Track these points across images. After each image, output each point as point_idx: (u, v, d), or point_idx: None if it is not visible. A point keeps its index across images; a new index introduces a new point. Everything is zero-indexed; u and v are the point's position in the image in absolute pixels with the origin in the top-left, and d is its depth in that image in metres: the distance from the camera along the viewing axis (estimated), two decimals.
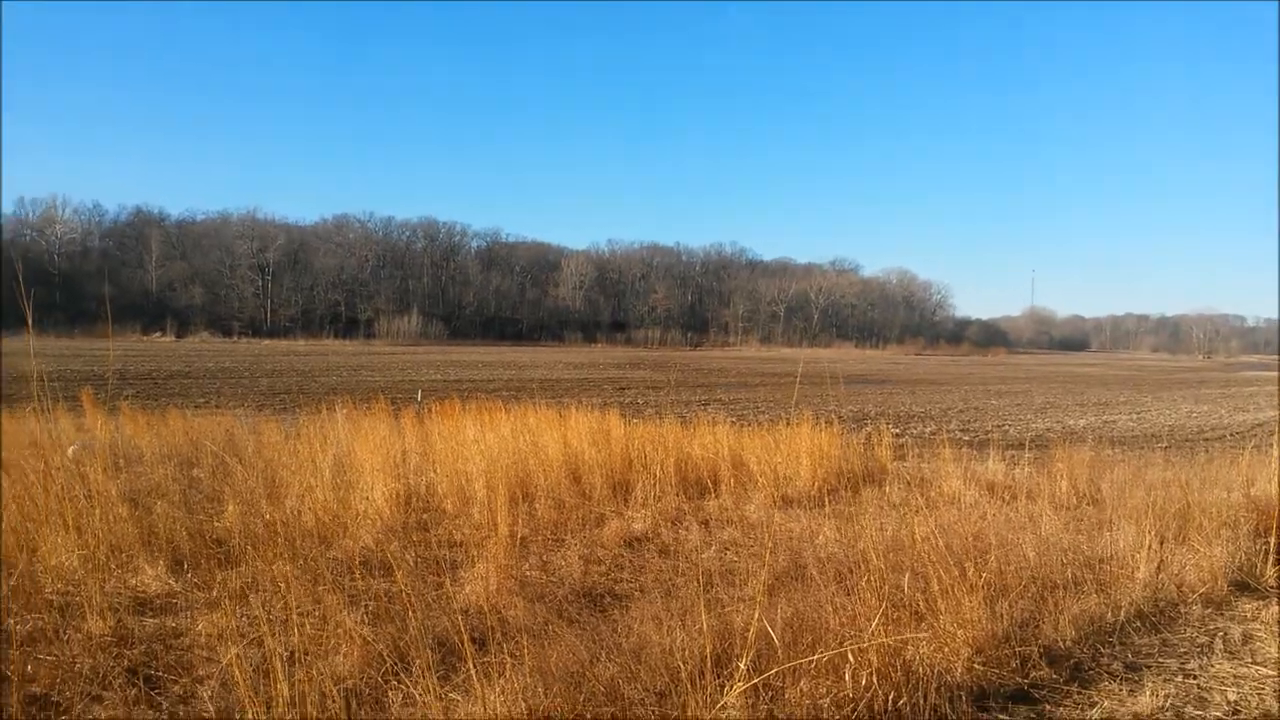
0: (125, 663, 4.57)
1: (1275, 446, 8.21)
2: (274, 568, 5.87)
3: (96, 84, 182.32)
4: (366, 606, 5.23)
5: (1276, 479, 8.00)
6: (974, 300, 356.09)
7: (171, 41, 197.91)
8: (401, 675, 3.97)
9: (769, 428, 11.45)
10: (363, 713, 3.79)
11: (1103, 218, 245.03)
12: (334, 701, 3.58)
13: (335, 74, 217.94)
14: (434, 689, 3.61)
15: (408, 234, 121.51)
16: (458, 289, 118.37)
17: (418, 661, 3.82)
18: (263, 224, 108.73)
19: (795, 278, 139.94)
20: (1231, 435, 24.56)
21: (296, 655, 4.16)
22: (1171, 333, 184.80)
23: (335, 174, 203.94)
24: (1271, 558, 6.59)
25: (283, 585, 5.33)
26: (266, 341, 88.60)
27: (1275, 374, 71.53)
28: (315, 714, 3.34)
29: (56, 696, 4.13)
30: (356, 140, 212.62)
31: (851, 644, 4.02)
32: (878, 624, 4.11)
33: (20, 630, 4.81)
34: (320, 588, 5.32)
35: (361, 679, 4.13)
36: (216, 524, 7.54)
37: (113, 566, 6.08)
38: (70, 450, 9.57)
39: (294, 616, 4.32)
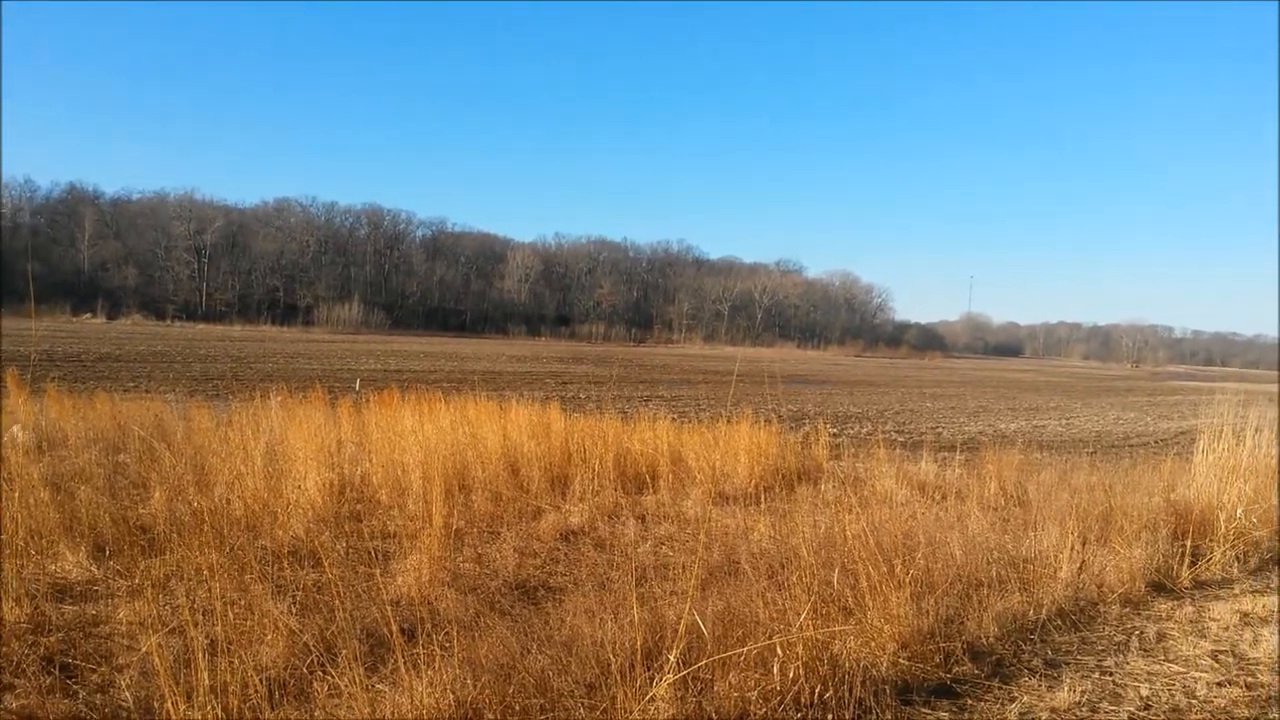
0: (41, 650, 4.44)
1: (1197, 454, 8.49)
2: (200, 556, 5.74)
3: (28, 58, 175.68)
4: (294, 597, 5.15)
5: (1193, 485, 8.28)
6: (913, 304, 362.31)
7: (110, 16, 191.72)
8: (328, 666, 3.92)
9: (709, 425, 11.53)
10: (287, 703, 3.73)
11: (1039, 226, 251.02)
12: (256, 691, 3.51)
13: (278, 55, 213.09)
14: (360, 680, 3.57)
15: (351, 220, 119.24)
16: (401, 278, 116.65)
17: (344, 652, 3.76)
18: (201, 205, 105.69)
19: (740, 277, 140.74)
20: (1156, 442, 25.35)
21: (220, 645, 4.07)
22: (1102, 341, 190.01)
23: (277, 157, 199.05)
24: (1187, 560, 6.83)
25: (207, 574, 5.22)
26: (201, 326, 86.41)
27: (1199, 384, 74.00)
28: (237, 704, 3.27)
29: None
30: (299, 124, 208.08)
31: (780, 637, 4.06)
32: (806, 618, 4.16)
33: None
34: (247, 577, 5.22)
35: (286, 669, 4.07)
36: (142, 510, 7.37)
37: (32, 552, 5.90)
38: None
39: (218, 605, 4.22)
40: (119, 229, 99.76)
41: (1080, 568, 6.27)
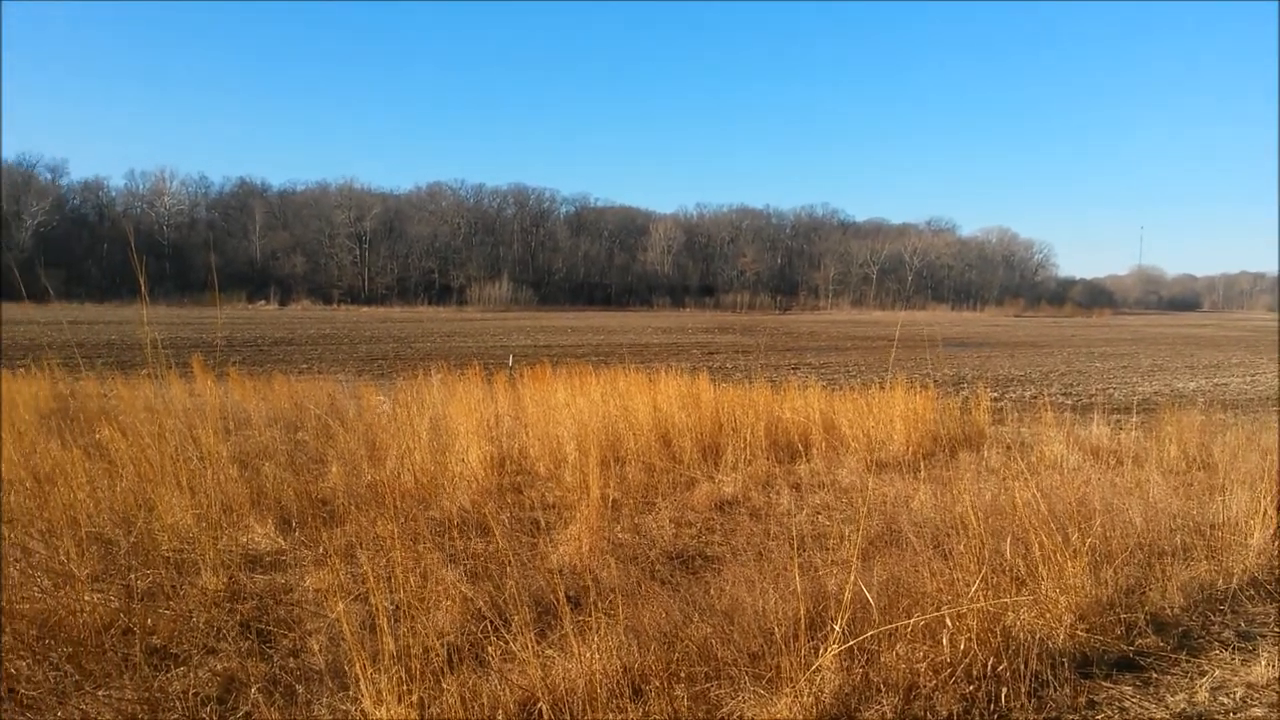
0: (238, 617, 4.79)
1: None
2: (376, 527, 6.07)
3: (200, 54, 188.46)
4: (465, 565, 5.38)
5: None
6: (1078, 260, 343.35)
7: (271, 13, 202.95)
8: (500, 631, 4.07)
9: (861, 391, 11.27)
10: (465, 667, 3.90)
11: (1215, 172, 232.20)
12: (437, 655, 3.68)
13: (426, 42, 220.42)
14: (531, 645, 3.68)
15: (498, 201, 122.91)
16: (547, 255, 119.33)
17: (515, 618, 3.90)
18: (359, 193, 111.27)
19: (889, 238, 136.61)
20: None
21: (400, 611, 4.31)
22: None
23: (429, 143, 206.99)
24: None
25: (386, 543, 5.51)
26: (364, 309, 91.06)
27: None
28: (419, 667, 3.44)
29: (175, 649, 4.36)
30: (448, 107, 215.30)
31: (949, 608, 3.95)
32: (977, 588, 4.02)
33: (140, 585, 5.08)
34: (420, 546, 5.49)
35: (461, 634, 4.26)
36: (321, 484, 7.82)
37: (224, 525, 6.35)
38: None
39: (398, 573, 4.45)
40: (286, 219, 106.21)
41: (1274, 534, 5.80)
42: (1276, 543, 5.71)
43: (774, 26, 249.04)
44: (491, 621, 4.23)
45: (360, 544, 5.84)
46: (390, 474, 7.95)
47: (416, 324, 62.03)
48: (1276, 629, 4.65)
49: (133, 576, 5.19)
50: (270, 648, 4.41)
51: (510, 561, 5.06)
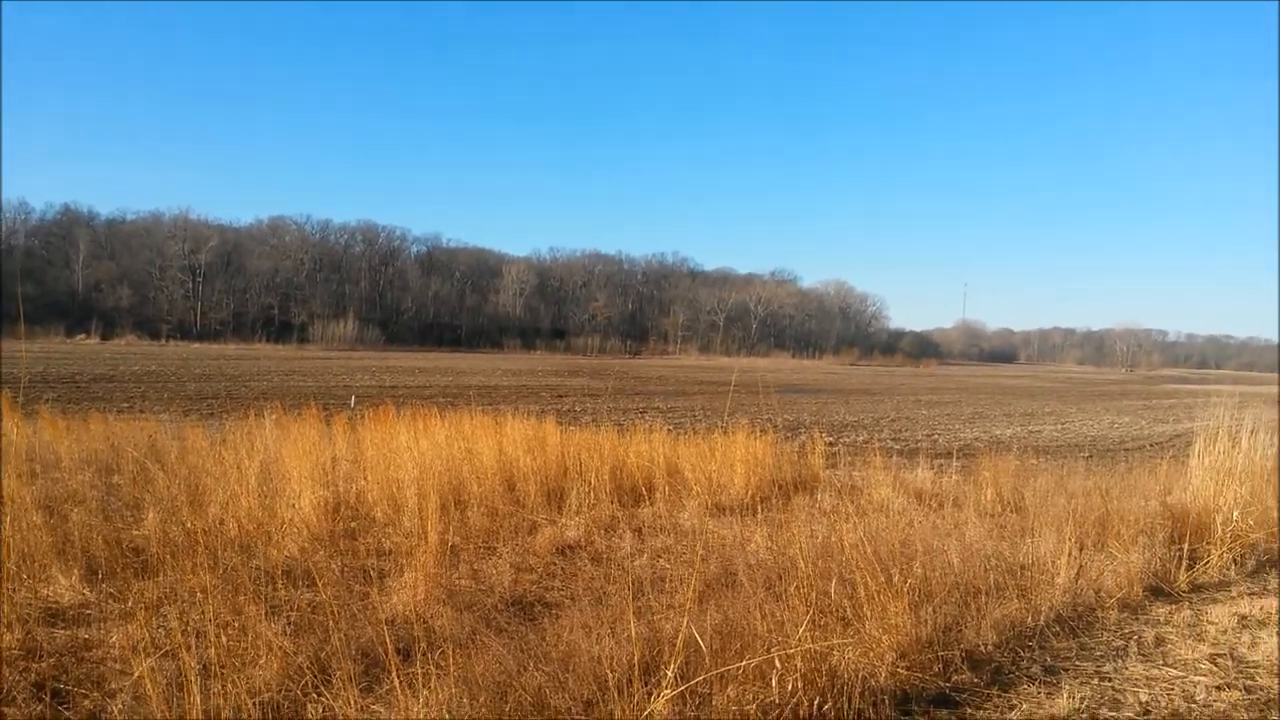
0: (32, 676, 4.39)
1: (1193, 458, 8.49)
2: (193, 577, 5.70)
3: (25, 79, 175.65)
4: (289, 617, 5.11)
5: (1190, 488, 8.28)
6: (908, 312, 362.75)
7: (104, 38, 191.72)
8: (322, 688, 3.88)
9: (704, 436, 11.50)
10: None
11: (1032, 234, 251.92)
12: (249, 715, 3.47)
13: (270, 74, 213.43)
14: (355, 701, 3.54)
15: (345, 238, 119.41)
16: (396, 294, 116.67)
17: (339, 673, 3.73)
18: (195, 225, 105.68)
19: (735, 287, 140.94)
20: (1151, 445, 25.36)
21: (213, 668, 4.04)
22: (1096, 346, 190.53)
23: (271, 176, 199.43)
24: (1184, 563, 6.82)
25: (200, 595, 5.18)
26: (196, 345, 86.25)
27: (1194, 388, 74.11)
28: None
29: None
30: (293, 142, 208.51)
31: (779, 650, 4.04)
32: (805, 630, 4.14)
33: None
34: (241, 598, 5.18)
35: (280, 692, 4.03)
36: (135, 532, 7.31)
37: (24, 576, 5.84)
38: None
39: (211, 628, 4.18)
40: (113, 250, 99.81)
41: (1078, 573, 6.25)
42: (1079, 581, 6.15)
43: (621, 79, 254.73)
44: (314, 677, 4.04)
45: (175, 596, 5.47)
46: (213, 521, 7.52)
47: (253, 362, 59.27)
48: (1078, 663, 4.98)
49: None
50: (68, 709, 4.05)
51: (336, 613, 4.85)
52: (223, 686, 3.67)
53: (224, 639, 4.31)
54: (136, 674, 4.09)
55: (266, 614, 5.02)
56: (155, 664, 4.13)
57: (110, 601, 5.61)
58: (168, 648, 4.52)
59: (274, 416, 12.00)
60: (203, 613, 4.81)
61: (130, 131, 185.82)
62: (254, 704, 3.66)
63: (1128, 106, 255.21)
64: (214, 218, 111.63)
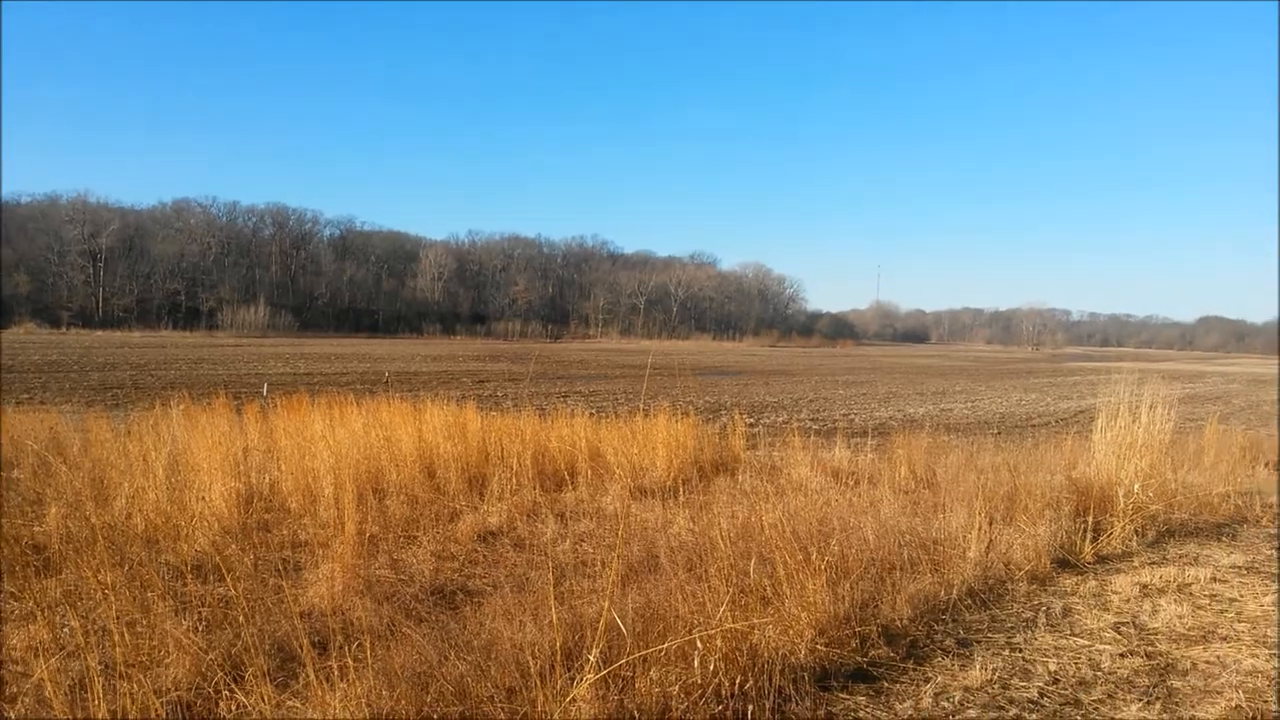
0: None
1: (1095, 433, 8.83)
2: (98, 575, 5.48)
3: None
4: (199, 614, 4.95)
5: (1093, 463, 8.61)
6: (824, 294, 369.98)
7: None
8: (235, 685, 3.77)
9: (626, 419, 11.51)
10: None
11: (942, 215, 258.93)
12: (157, 714, 3.36)
13: (174, 51, 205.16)
14: (270, 697, 3.44)
15: (254, 220, 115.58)
16: (309, 279, 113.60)
17: (252, 669, 3.62)
18: (94, 208, 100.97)
19: (655, 270, 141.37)
20: (1056, 421, 26.34)
21: (118, 668, 3.89)
22: (1004, 326, 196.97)
23: (175, 157, 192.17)
24: (1089, 535, 7.10)
25: (105, 593, 4.98)
26: (99, 333, 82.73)
27: (1096, 365, 77.14)
28: None
29: None
30: (199, 122, 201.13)
31: (700, 630, 4.07)
32: (725, 610, 4.18)
33: None
34: (149, 595, 5.00)
35: (191, 690, 3.91)
36: (36, 529, 6.99)
37: None
38: None
39: (115, 626, 4.02)
40: (8, 234, 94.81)
41: (988, 547, 6.45)
42: (990, 555, 6.35)
43: (540, 62, 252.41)
44: (226, 674, 3.92)
45: (78, 595, 5.25)
46: (119, 515, 7.25)
47: (159, 349, 57.20)
48: (989, 635, 5.15)
49: None
50: None
51: (249, 607, 4.72)
52: (129, 687, 3.53)
53: (129, 638, 4.14)
54: (37, 676, 3.91)
55: (176, 610, 4.86)
56: (59, 664, 3.97)
57: (9, 601, 5.36)
58: (71, 648, 4.35)
59: (182, 406, 11.60)
60: (107, 611, 4.63)
61: (23, 112, 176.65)
62: (162, 704, 3.54)
63: (1036, 85, 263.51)
64: (114, 200, 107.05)
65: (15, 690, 4.07)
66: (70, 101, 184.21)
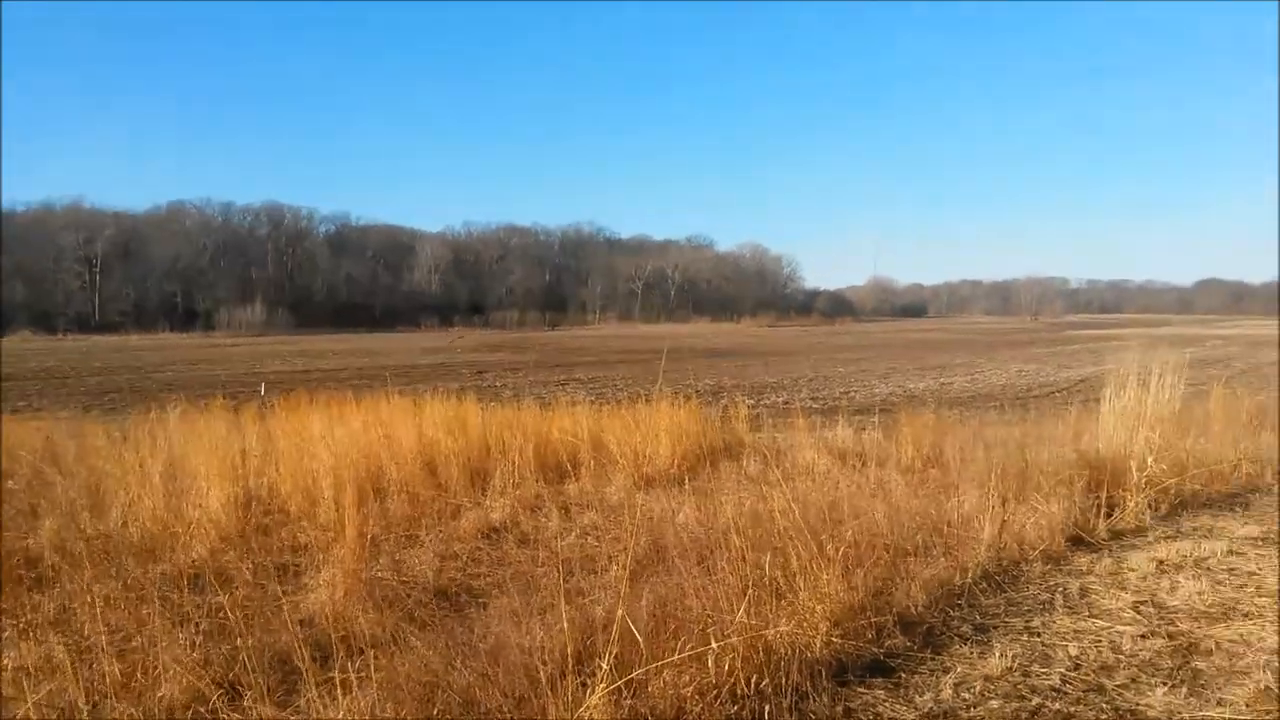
0: None
1: (1104, 404, 8.69)
2: (93, 588, 5.35)
3: None
4: (198, 625, 4.82)
5: (1103, 435, 8.47)
6: (822, 272, 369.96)
7: None
8: (234, 702, 3.65)
9: (628, 406, 11.37)
10: None
11: (938, 189, 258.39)
12: None
13: (163, 52, 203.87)
14: (269, 715, 3.32)
15: (249, 220, 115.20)
16: (306, 276, 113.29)
17: (251, 685, 3.49)
18: (90, 214, 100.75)
19: (652, 255, 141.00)
20: (1059, 391, 26.24)
21: (113, 688, 3.77)
22: (1003, 296, 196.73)
23: (170, 160, 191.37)
24: (1103, 511, 6.97)
25: (101, 608, 4.85)
26: (96, 337, 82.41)
27: (1096, 333, 77.02)
28: None
29: None
30: (193, 126, 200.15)
31: (714, 628, 3.95)
32: (741, 608, 4.06)
33: None
34: (145, 609, 4.87)
35: (187, 710, 3.77)
36: (30, 542, 6.86)
37: None
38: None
39: (104, 642, 3.89)
40: (3, 243, 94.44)
41: (1001, 528, 6.31)
42: (1003, 536, 6.22)
43: (532, 46, 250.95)
44: (225, 690, 3.80)
45: (71, 611, 5.12)
46: (115, 525, 7.13)
47: (157, 352, 57.06)
48: (1007, 619, 5.02)
49: None
50: None
51: (249, 617, 4.60)
52: (125, 708, 3.41)
53: (126, 654, 4.02)
54: (31, 699, 3.79)
55: (175, 623, 4.74)
56: (55, 686, 3.85)
57: (3, 619, 5.23)
58: (65, 668, 4.22)
59: (179, 410, 11.47)
60: (99, 628, 4.51)
61: (12, 120, 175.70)
62: None
63: (1026, 60, 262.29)
64: (109, 205, 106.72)
65: (8, 715, 3.95)
66: (57, 105, 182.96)
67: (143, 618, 4.71)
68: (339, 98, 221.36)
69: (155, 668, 3.97)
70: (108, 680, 3.68)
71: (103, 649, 4.16)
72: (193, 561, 6.25)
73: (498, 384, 30.15)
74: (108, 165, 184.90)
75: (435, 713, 3.57)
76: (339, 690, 3.52)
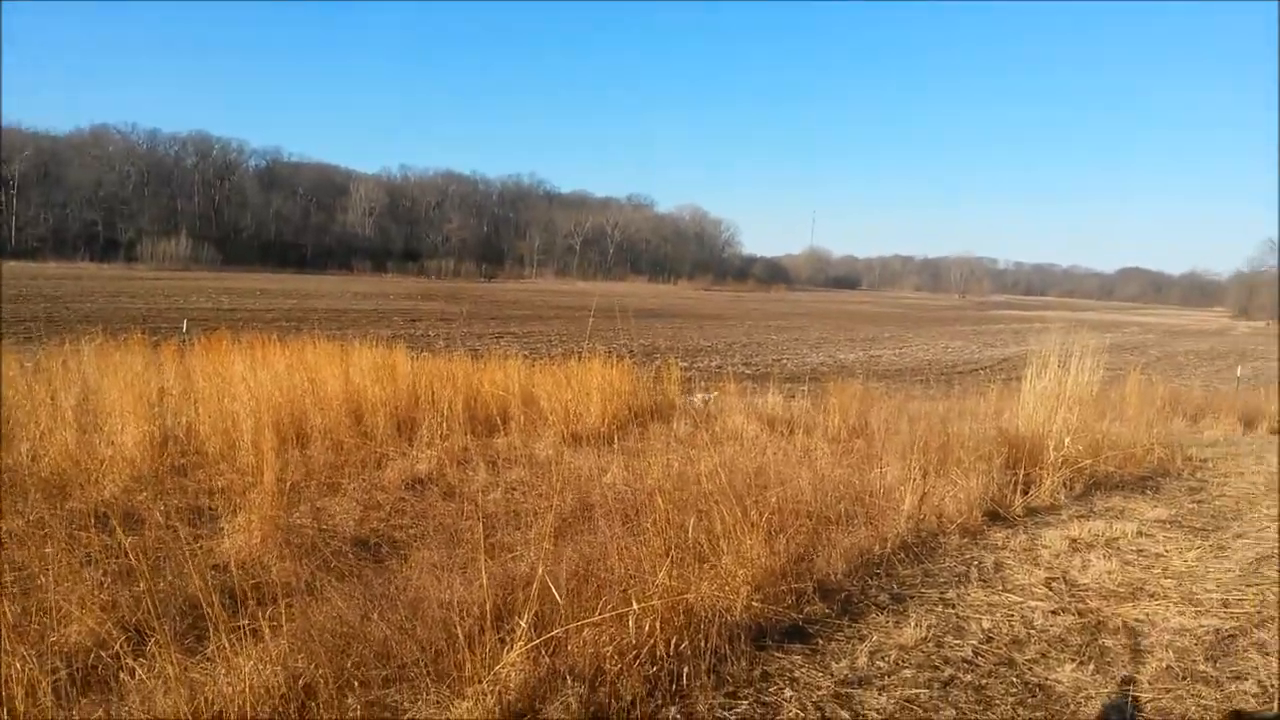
0: None
1: (1025, 383, 8.91)
2: None
3: None
4: (105, 568, 4.66)
5: (1023, 414, 8.69)
6: (760, 239, 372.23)
7: None
8: (140, 647, 3.54)
9: (561, 363, 11.31)
10: (90, 696, 3.35)
11: (874, 163, 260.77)
12: (44, 690, 3.11)
13: None
14: (177, 661, 3.23)
15: (176, 149, 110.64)
16: (234, 211, 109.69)
17: (159, 630, 3.37)
18: (7, 132, 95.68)
19: (592, 211, 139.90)
20: (983, 369, 26.91)
21: (8, 630, 3.62)
22: (933, 273, 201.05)
23: (94, 80, 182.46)
24: (1020, 488, 7.17)
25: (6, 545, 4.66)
26: (10, 263, 78.67)
27: (1020, 314, 79.06)
28: (24, 706, 2.89)
29: None
30: (118, 45, 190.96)
31: (636, 589, 3.96)
32: (663, 570, 4.07)
33: None
34: (49, 548, 4.69)
35: (92, 654, 3.65)
36: None
37: None
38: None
39: (6, 580, 3.74)
40: None
41: (921, 500, 6.44)
42: (923, 508, 6.35)
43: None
44: (131, 635, 3.68)
45: None
46: (23, 459, 6.85)
47: (75, 281, 54.87)
48: (923, 590, 5.14)
49: None
50: None
51: (160, 560, 4.46)
52: (23, 649, 3.28)
53: (29, 594, 3.87)
54: None
55: (81, 564, 4.57)
56: None
57: None
58: None
59: (96, 343, 11.04)
60: (4, 564, 4.33)
61: None
62: (65, 669, 3.30)
63: (967, 34, 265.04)
64: (28, 124, 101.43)
65: None
66: None
67: (47, 557, 4.53)
68: (274, 29, 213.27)
69: (59, 609, 3.82)
70: (6, 619, 3.52)
71: (4, 587, 4.01)
72: (104, 500, 6.04)
73: (430, 333, 29.73)
74: (27, 82, 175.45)
75: (349, 664, 3.51)
76: (249, 638, 3.44)
